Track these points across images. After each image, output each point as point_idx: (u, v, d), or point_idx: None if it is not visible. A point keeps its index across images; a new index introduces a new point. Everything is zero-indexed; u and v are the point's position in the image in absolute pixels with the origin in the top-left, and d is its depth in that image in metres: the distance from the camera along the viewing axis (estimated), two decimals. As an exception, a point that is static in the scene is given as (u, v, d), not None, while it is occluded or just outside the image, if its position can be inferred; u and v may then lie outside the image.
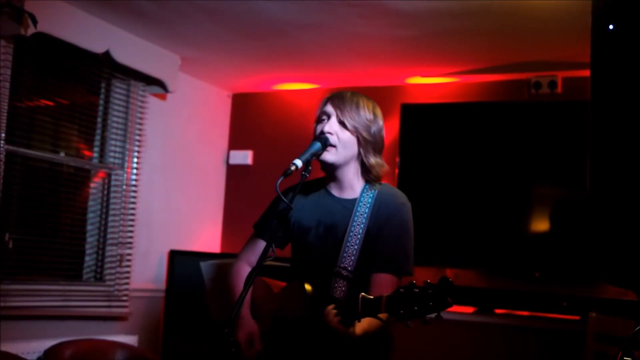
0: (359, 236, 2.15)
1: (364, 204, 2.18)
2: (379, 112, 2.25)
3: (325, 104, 2.23)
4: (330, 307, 1.94)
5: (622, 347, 1.86)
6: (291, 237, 2.29)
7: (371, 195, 2.20)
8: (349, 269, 2.13)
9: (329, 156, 2.16)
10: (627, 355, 1.85)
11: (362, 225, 2.16)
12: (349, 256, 2.14)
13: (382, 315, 1.84)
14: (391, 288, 2.11)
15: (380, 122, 2.23)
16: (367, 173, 2.22)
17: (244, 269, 2.34)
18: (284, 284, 2.32)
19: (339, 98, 2.21)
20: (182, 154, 5.12)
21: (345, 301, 2.06)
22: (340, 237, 2.17)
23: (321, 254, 2.21)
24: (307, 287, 2.08)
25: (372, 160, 2.20)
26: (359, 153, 2.20)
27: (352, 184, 2.23)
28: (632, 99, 1.88)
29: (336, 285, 2.13)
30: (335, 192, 2.26)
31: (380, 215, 2.17)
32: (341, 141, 2.16)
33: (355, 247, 2.14)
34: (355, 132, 2.17)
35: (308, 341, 2.07)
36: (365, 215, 2.17)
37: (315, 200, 2.27)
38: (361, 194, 2.21)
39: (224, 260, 2.90)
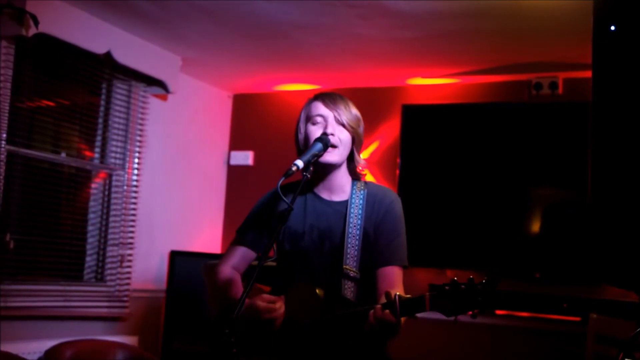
0: (357, 237, 2.17)
1: (356, 205, 2.21)
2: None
3: (315, 105, 2.22)
4: (378, 306, 1.92)
5: (623, 348, 1.86)
6: (281, 245, 2.25)
7: (361, 195, 2.22)
8: (354, 269, 2.15)
9: (332, 157, 2.17)
10: (628, 357, 1.85)
11: (358, 226, 2.18)
12: (351, 257, 2.15)
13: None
14: (399, 280, 2.15)
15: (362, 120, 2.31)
16: (353, 170, 2.27)
17: (232, 272, 2.29)
18: (268, 288, 2.29)
19: (330, 99, 2.22)
20: (183, 155, 5.12)
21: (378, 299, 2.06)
22: (339, 241, 2.18)
23: (319, 258, 2.21)
24: (318, 290, 2.08)
25: (359, 157, 2.27)
26: (351, 151, 2.24)
27: (342, 184, 2.25)
28: (633, 100, 1.88)
29: (346, 286, 2.14)
30: (324, 195, 2.26)
31: (374, 214, 2.20)
32: (342, 142, 2.18)
33: (356, 247, 2.16)
34: (352, 131, 2.21)
35: (323, 344, 2.07)
36: (359, 216, 2.19)
37: (303, 204, 2.26)
38: (351, 196, 2.22)
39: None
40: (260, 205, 2.35)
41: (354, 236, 2.16)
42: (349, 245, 2.16)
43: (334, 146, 2.16)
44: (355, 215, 2.19)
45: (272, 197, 2.29)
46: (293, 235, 2.23)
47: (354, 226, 2.17)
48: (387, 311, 1.86)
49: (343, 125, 2.18)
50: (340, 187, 2.25)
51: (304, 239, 2.22)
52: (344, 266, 2.14)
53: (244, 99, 5.61)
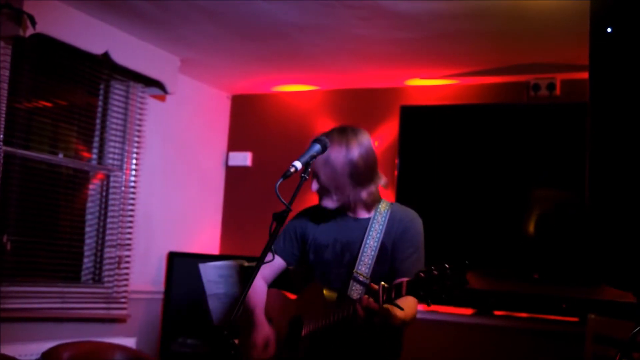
0: (374, 248, 2.29)
1: (378, 222, 2.33)
2: (362, 139, 2.31)
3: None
4: (365, 296, 2.03)
5: (621, 349, 1.86)
6: (306, 256, 2.40)
7: (384, 214, 2.35)
8: (365, 275, 2.27)
9: (329, 203, 2.33)
10: (626, 357, 1.85)
11: (377, 239, 2.30)
12: (364, 264, 2.28)
13: (408, 302, 1.97)
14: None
15: (362, 150, 2.29)
16: (370, 199, 2.35)
17: (258, 282, 2.46)
18: (294, 296, 2.39)
19: (314, 160, 2.18)
20: (181, 156, 5.12)
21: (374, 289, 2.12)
22: (357, 251, 2.31)
23: (337, 269, 2.33)
24: (326, 291, 2.21)
25: (365, 194, 2.32)
26: (356, 184, 2.32)
27: (363, 208, 2.38)
28: (631, 101, 1.88)
29: (353, 288, 2.26)
30: (350, 213, 2.40)
31: (394, 230, 2.33)
32: (330, 187, 2.30)
33: (371, 257, 2.28)
34: (330, 177, 2.28)
35: (327, 341, 2.16)
36: (380, 231, 2.32)
37: (332, 221, 2.41)
38: (375, 214, 2.36)
39: (223, 262, 2.90)
40: (293, 220, 2.50)
41: (370, 247, 2.29)
42: (364, 254, 2.28)
43: (321, 194, 2.33)
44: (376, 230, 2.32)
45: (307, 208, 2.47)
46: (318, 247, 2.38)
47: (373, 238, 2.30)
48: (372, 299, 1.98)
49: (317, 175, 2.30)
50: (361, 209, 2.38)
51: (327, 251, 2.36)
52: (355, 270, 2.27)
53: (243, 99, 5.61)
